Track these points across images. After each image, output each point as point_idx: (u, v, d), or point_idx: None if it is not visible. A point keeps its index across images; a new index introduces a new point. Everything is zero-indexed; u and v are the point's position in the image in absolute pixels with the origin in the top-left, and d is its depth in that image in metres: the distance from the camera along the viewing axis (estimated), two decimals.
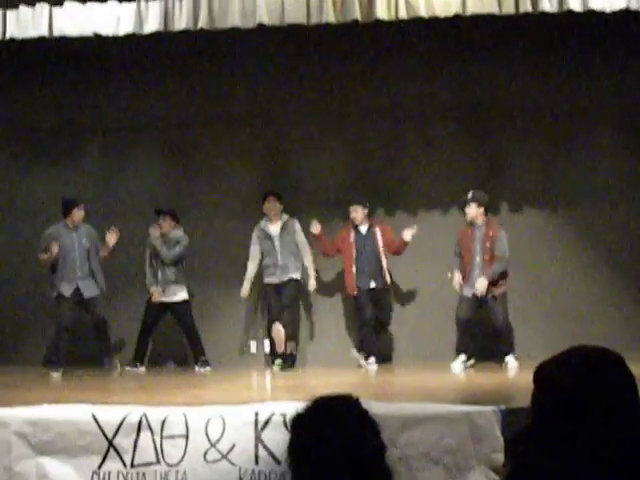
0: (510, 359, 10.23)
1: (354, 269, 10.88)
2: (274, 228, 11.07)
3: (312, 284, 11.06)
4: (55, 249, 10.68)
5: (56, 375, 10.45)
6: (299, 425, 2.54)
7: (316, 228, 10.89)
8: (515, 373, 9.78)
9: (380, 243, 10.92)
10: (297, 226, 11.10)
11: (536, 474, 2.39)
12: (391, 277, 11.10)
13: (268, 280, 11.06)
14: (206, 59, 11.68)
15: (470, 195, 10.54)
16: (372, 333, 10.93)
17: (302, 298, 11.47)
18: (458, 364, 10.33)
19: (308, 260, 11.06)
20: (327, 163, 11.75)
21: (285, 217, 11.11)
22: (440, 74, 11.54)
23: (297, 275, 11.05)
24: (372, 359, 10.79)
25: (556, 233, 11.48)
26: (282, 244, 11.02)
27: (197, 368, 10.89)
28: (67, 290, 10.75)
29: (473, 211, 10.51)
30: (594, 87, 11.35)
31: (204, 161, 11.92)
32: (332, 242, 11.05)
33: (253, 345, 11.25)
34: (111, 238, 10.94)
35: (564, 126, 11.46)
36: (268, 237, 11.05)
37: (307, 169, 11.80)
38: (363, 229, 11.00)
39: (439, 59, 11.49)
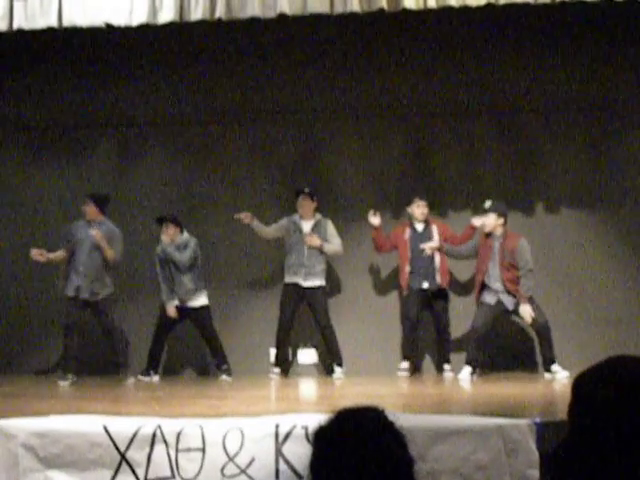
0: (557, 368, 10.23)
1: (407, 268, 10.90)
2: (306, 224, 11.10)
3: (328, 247, 11.08)
4: (48, 256, 10.87)
5: (64, 384, 10.51)
6: (322, 438, 2.52)
7: (376, 219, 10.86)
8: (554, 384, 9.76)
9: (437, 239, 10.90)
10: (330, 225, 11.13)
11: None
12: (450, 277, 11.13)
13: (290, 279, 11.04)
14: (224, 51, 11.69)
15: (489, 204, 10.49)
16: (411, 336, 10.96)
17: (335, 301, 11.47)
18: (466, 375, 10.35)
19: (335, 247, 11.11)
20: (353, 161, 11.75)
21: (318, 216, 11.16)
22: (473, 68, 11.51)
23: (323, 281, 11.10)
24: (404, 364, 10.88)
25: (594, 234, 11.42)
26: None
27: (221, 376, 10.93)
28: (70, 289, 10.81)
29: (492, 221, 10.47)
30: (635, 82, 11.32)
31: (222, 159, 11.92)
32: (387, 237, 11.01)
33: (273, 353, 11.26)
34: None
35: (602, 123, 11.43)
36: (299, 231, 11.06)
37: (332, 167, 11.80)
38: (420, 227, 10.99)
39: (471, 52, 11.47)
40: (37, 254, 10.89)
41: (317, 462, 2.50)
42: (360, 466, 2.43)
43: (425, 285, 10.87)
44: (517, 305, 10.30)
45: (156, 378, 10.93)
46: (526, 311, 10.24)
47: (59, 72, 12.00)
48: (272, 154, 11.88)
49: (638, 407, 2.28)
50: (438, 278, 10.90)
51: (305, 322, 11.38)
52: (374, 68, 11.65)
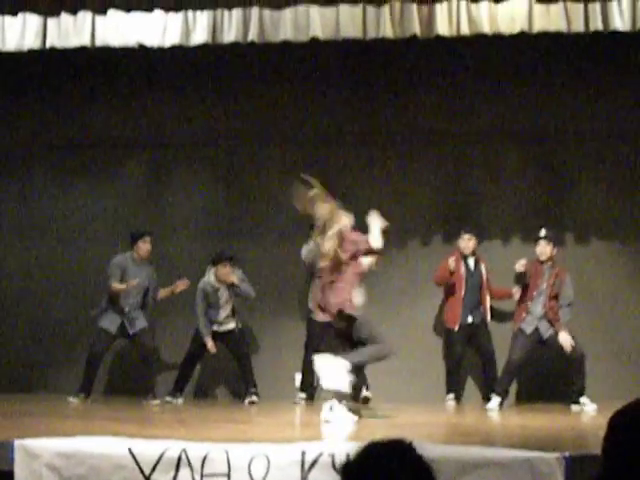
0: (586, 400, 10.19)
1: (460, 304, 10.92)
2: None
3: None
4: (133, 283, 10.88)
5: (73, 400, 10.61)
6: (350, 474, 2.49)
7: (453, 263, 10.84)
8: (582, 417, 9.70)
9: (485, 278, 10.98)
10: None
11: None
12: (492, 313, 11.11)
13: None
14: (255, 73, 11.73)
15: (545, 233, 10.54)
16: (457, 371, 11.07)
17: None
18: (495, 405, 10.32)
19: None
20: (381, 187, 11.73)
21: None
22: (504, 96, 11.50)
23: None
24: (451, 395, 10.94)
25: (625, 266, 11.38)
26: None
27: (247, 400, 10.93)
28: (111, 325, 10.93)
29: (549, 250, 10.51)
30: None
31: (253, 180, 11.94)
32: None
33: (298, 378, 11.25)
34: (178, 287, 11.10)
35: (634, 152, 11.38)
36: None
37: (360, 190, 11.77)
38: (471, 262, 11.02)
39: (503, 80, 11.45)
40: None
41: None
42: None
43: (470, 320, 10.92)
44: (552, 335, 10.32)
45: (180, 400, 10.98)
46: (566, 339, 10.24)
47: (90, 91, 12.06)
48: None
49: None
50: (485, 312, 10.98)
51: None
52: (405, 93, 11.66)
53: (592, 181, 11.48)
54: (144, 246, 11.07)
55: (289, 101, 11.79)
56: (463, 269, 10.98)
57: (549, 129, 11.53)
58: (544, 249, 10.52)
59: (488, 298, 11.02)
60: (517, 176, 11.59)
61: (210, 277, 11.05)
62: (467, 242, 11.00)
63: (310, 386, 11.18)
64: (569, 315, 10.45)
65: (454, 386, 11.10)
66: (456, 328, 10.93)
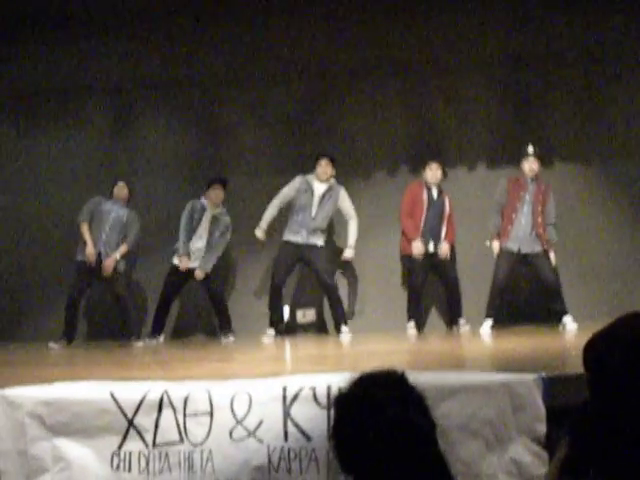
0: (568, 319, 10.18)
1: (421, 230, 10.78)
2: (320, 186, 10.86)
3: (349, 253, 10.94)
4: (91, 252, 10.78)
5: (54, 346, 10.52)
6: (343, 405, 2.43)
7: None
8: (557, 338, 9.70)
9: (447, 209, 10.85)
10: (343, 194, 10.92)
11: (595, 453, 2.31)
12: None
13: (289, 238, 10.87)
14: (224, 10, 11.53)
15: (533, 149, 10.46)
16: (418, 298, 10.93)
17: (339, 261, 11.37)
18: (488, 328, 10.32)
19: (353, 227, 10.91)
20: (348, 119, 11.65)
21: (332, 181, 10.93)
22: (468, 23, 11.41)
23: (323, 241, 10.93)
24: (412, 323, 10.83)
25: (590, 187, 11.38)
26: (321, 206, 10.83)
27: (223, 338, 10.87)
28: (86, 257, 10.77)
29: (536, 166, 10.49)
30: (632, 31, 11.21)
31: (223, 121, 11.83)
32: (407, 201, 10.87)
33: (286, 310, 11.21)
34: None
35: (599, 74, 11.32)
36: (310, 191, 10.83)
37: (335, 125, 11.71)
38: (435, 191, 10.88)
39: (467, 7, 11.36)
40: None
41: (339, 429, 2.42)
42: (383, 432, 2.35)
43: (432, 248, 10.80)
44: (538, 252, 10.31)
45: (161, 339, 10.90)
46: (552, 256, 10.26)
47: (54, 38, 11.85)
48: (274, 115, 11.77)
49: None
50: (444, 239, 10.85)
51: (303, 281, 11.34)
52: (369, 25, 11.55)
53: (555, 104, 11.42)
54: (117, 190, 11.05)
55: (258, 37, 11.63)
56: (425, 197, 10.85)
57: (514, 54, 11.45)
58: (533, 165, 10.46)
59: (449, 229, 10.91)
60: (483, 103, 11.53)
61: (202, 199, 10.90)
62: (435, 171, 10.88)
63: (281, 321, 11.11)
64: (555, 235, 10.42)
65: (415, 314, 11.00)
66: (420, 257, 10.80)
